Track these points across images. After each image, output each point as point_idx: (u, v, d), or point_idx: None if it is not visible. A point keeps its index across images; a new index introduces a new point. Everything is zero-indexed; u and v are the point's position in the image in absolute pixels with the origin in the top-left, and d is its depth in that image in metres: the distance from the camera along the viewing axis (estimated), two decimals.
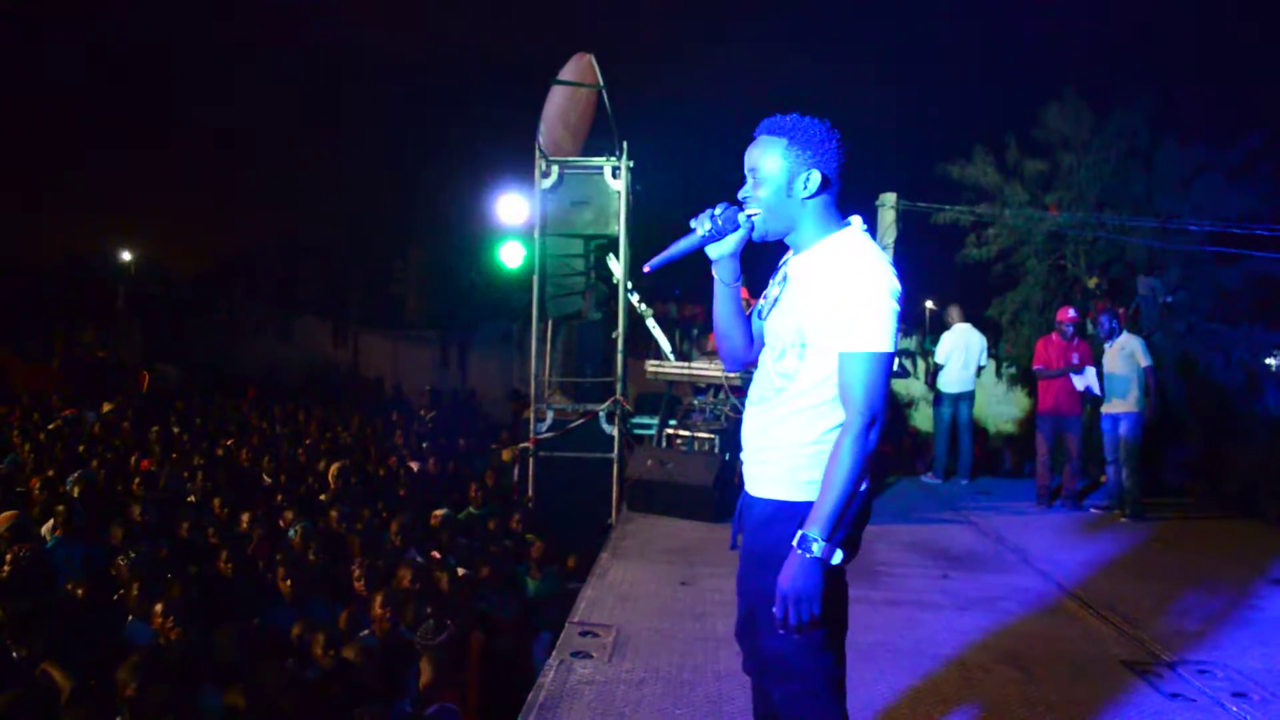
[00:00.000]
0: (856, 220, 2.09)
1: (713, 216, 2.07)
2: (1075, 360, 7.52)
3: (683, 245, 2.09)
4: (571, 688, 3.39)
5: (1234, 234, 9.78)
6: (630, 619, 4.22)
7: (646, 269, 2.22)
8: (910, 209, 11.42)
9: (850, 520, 1.99)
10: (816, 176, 2.02)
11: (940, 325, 9.31)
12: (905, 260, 11.54)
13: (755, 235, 2.10)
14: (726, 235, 2.08)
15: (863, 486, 2.00)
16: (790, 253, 2.15)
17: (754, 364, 2.26)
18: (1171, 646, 4.06)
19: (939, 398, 8.89)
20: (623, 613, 4.33)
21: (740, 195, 2.09)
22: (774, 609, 1.95)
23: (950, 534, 6.49)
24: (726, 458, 6.58)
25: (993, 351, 10.33)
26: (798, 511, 2.00)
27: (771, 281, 2.20)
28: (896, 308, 1.96)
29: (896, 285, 1.98)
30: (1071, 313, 7.74)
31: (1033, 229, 11.07)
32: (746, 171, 2.09)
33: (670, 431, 7.31)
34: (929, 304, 24.98)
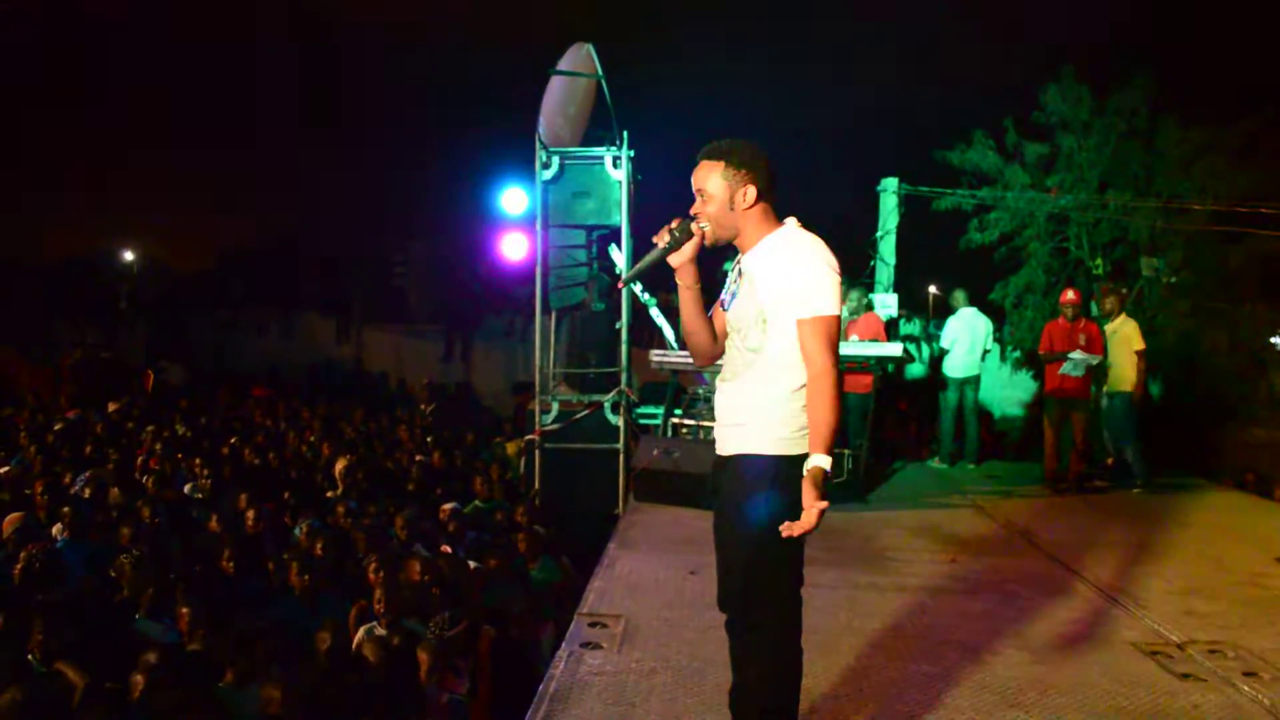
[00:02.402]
0: (792, 219, 2.48)
1: (670, 230, 2.46)
2: (1081, 342, 7.50)
3: (649, 258, 2.49)
4: (582, 678, 3.40)
5: (1237, 213, 9.74)
6: (639, 609, 4.23)
7: (620, 285, 2.94)
8: (912, 194, 11.40)
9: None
10: (752, 191, 2.42)
11: (945, 310, 9.27)
12: (908, 245, 11.55)
13: (708, 243, 2.48)
14: (683, 245, 2.46)
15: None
16: (740, 254, 2.53)
17: (720, 356, 2.63)
18: (1181, 627, 4.07)
19: (945, 382, 8.89)
20: (631, 603, 4.34)
21: (692, 211, 2.48)
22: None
23: (958, 518, 6.49)
24: None
25: (997, 335, 10.27)
26: (772, 463, 2.36)
27: (729, 279, 2.59)
28: (838, 279, 2.38)
29: (834, 260, 2.39)
30: (1071, 294, 7.71)
31: (1035, 212, 11.02)
32: (695, 191, 2.47)
33: (676, 421, 7.30)
34: (932, 289, 24.92)
